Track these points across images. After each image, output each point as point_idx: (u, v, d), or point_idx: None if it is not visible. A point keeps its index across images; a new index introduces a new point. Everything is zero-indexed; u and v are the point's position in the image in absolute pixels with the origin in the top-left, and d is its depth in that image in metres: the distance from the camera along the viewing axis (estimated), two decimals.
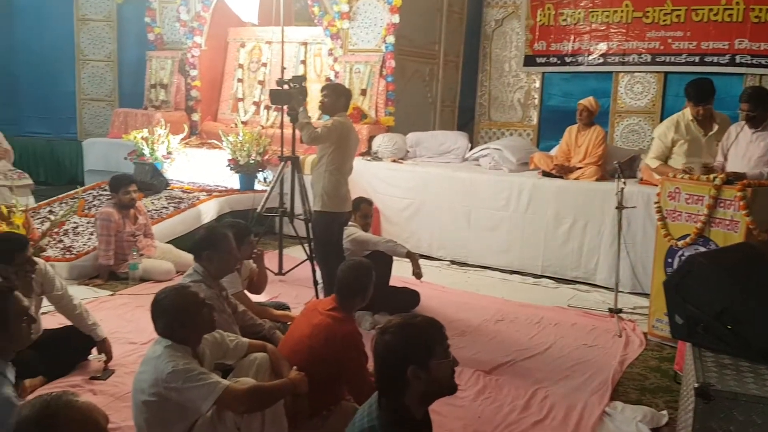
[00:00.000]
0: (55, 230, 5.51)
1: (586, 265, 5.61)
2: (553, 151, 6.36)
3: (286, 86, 4.77)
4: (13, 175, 7.17)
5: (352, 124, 4.63)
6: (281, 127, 5.89)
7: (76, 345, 3.54)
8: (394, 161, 6.85)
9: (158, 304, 2.46)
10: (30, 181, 7.38)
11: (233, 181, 7.25)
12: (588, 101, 5.93)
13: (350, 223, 4.65)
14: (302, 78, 4.84)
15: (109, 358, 3.59)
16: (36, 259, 3.42)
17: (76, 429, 1.33)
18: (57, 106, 9.79)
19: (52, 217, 5.91)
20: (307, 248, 5.24)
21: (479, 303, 5.01)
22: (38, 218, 6.04)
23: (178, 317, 2.41)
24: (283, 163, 5.54)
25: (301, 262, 5.46)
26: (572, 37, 7.69)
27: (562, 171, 5.89)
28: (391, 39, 7.28)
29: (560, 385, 3.61)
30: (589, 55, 7.57)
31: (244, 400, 2.37)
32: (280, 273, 5.59)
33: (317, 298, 4.65)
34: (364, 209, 4.79)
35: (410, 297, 4.68)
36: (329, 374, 2.78)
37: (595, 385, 3.61)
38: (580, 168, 5.87)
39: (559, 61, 7.83)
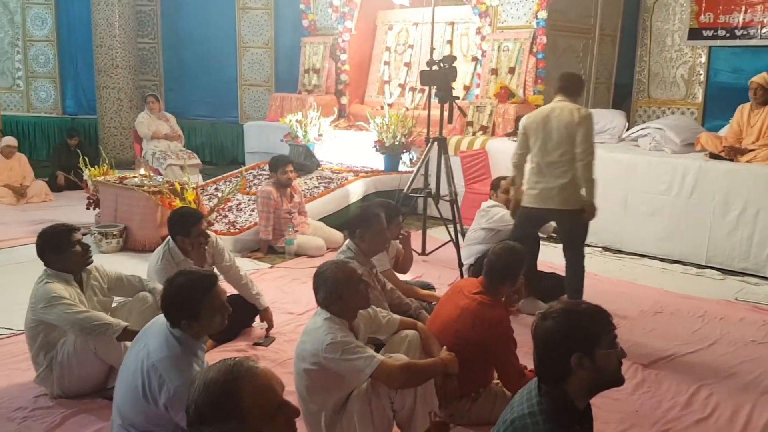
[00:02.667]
0: (221, 206, 5.96)
1: (756, 256, 5.12)
2: (722, 132, 5.84)
3: (435, 67, 4.76)
4: (184, 155, 7.86)
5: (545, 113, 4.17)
6: (428, 107, 5.90)
7: (242, 313, 3.81)
8: None
9: (322, 276, 2.56)
10: (198, 161, 8.05)
11: (378, 162, 7.41)
12: (762, 78, 5.41)
13: (492, 202, 4.55)
14: (452, 58, 4.81)
15: (271, 326, 3.84)
16: (208, 231, 3.71)
17: (256, 393, 1.42)
18: (220, 92, 10.56)
19: (219, 195, 6.39)
20: (451, 229, 5.24)
21: (636, 293, 4.74)
22: (206, 195, 6.56)
23: (338, 290, 2.51)
24: (429, 144, 5.56)
25: (445, 243, 5.47)
26: (743, 8, 7.03)
27: (733, 153, 5.40)
28: (543, 14, 7.02)
29: (725, 383, 3.35)
30: (762, 27, 6.86)
31: (398, 376, 2.42)
32: (423, 253, 5.64)
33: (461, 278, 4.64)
34: (505, 185, 4.61)
35: (560, 283, 4.52)
36: (477, 357, 2.76)
37: (766, 384, 3.32)
38: (752, 150, 5.35)
39: (728, 34, 7.18)
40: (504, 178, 4.65)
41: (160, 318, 2.36)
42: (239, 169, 7.42)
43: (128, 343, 2.92)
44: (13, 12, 10.82)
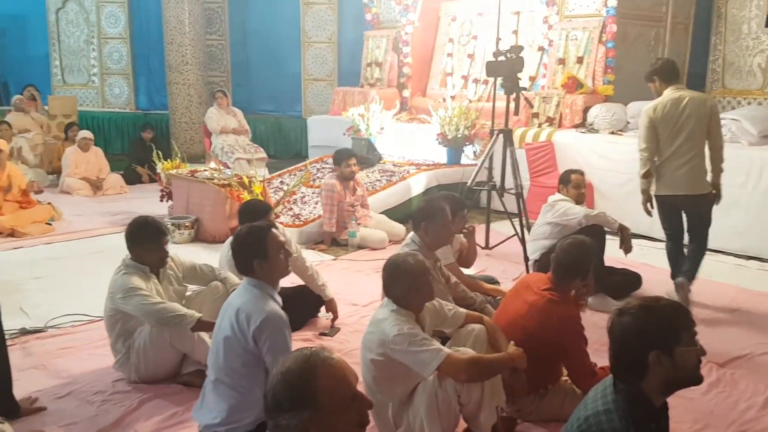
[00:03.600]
0: (287, 199, 6.07)
1: None
2: None
3: (502, 57, 4.69)
4: (251, 149, 8.04)
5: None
6: (493, 99, 5.83)
7: (308, 303, 3.89)
8: (612, 133, 6.45)
9: (399, 269, 2.57)
10: (264, 155, 8.23)
11: (440, 155, 7.38)
12: None
13: (560, 196, 4.45)
14: (519, 48, 4.73)
15: (336, 316, 3.90)
16: (276, 223, 3.78)
17: (331, 384, 1.44)
18: (284, 87, 10.75)
19: (285, 188, 6.51)
20: (516, 223, 5.17)
21: (710, 290, 4.55)
22: (272, 188, 6.69)
23: (415, 282, 2.52)
24: (494, 136, 5.49)
25: (509, 237, 5.40)
26: None
27: None
28: (613, 2, 6.81)
29: None
30: None
31: (465, 370, 2.41)
32: (486, 247, 5.59)
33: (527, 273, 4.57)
34: (576, 180, 4.50)
35: (631, 279, 4.40)
36: (546, 354, 2.72)
37: None
38: None
39: None
40: (574, 171, 4.54)
41: (240, 286, 2.65)
42: (303, 163, 7.53)
43: (202, 334, 3.04)
44: (88, 11, 11.30)
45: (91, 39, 11.37)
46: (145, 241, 3.14)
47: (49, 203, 6.48)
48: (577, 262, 2.84)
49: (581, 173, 4.61)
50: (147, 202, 7.12)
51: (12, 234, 5.85)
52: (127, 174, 8.60)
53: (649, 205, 4.22)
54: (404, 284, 2.52)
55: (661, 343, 1.58)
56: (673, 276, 4.27)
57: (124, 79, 11.44)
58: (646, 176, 4.16)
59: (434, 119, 7.32)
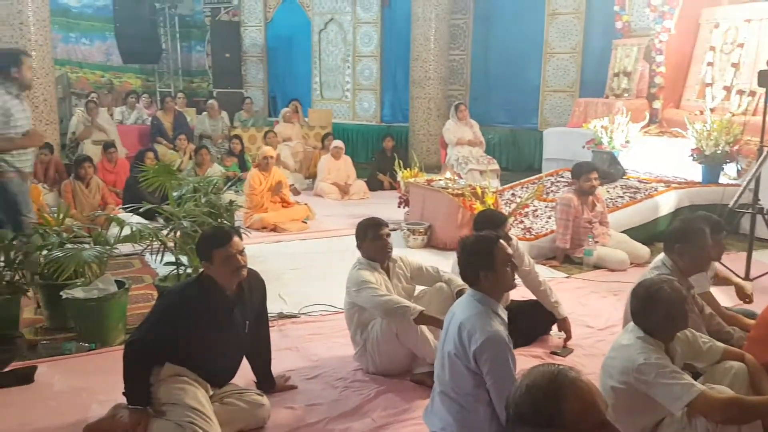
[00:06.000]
0: (519, 211, 6.01)
1: None
2: None
3: None
4: (484, 160, 8.14)
5: None
6: (763, 113, 5.16)
7: (539, 319, 3.79)
8: None
9: (654, 297, 2.39)
10: (497, 167, 8.27)
11: (694, 172, 6.71)
12: None
13: None
14: None
15: (569, 336, 3.75)
16: (510, 235, 3.76)
17: (579, 406, 1.38)
18: (521, 99, 10.67)
19: (516, 200, 6.46)
20: None
21: None
22: (503, 200, 6.68)
23: (672, 312, 2.34)
24: (764, 154, 4.85)
25: None
26: None
27: None
28: None
29: None
30: None
31: (723, 410, 2.16)
32: (747, 278, 4.93)
33: None
34: None
35: None
36: None
37: None
38: None
39: None
40: None
41: (464, 297, 2.62)
42: (537, 176, 7.39)
43: (426, 332, 3.14)
44: (346, 31, 12.39)
45: (346, 57, 12.44)
46: (368, 233, 3.39)
47: (305, 204, 7.26)
48: None
49: None
50: (386, 208, 7.55)
51: (275, 229, 6.65)
52: (370, 181, 9.23)
53: None
54: (658, 313, 2.34)
55: None
56: None
57: (372, 94, 12.32)
58: None
59: (690, 133, 6.69)
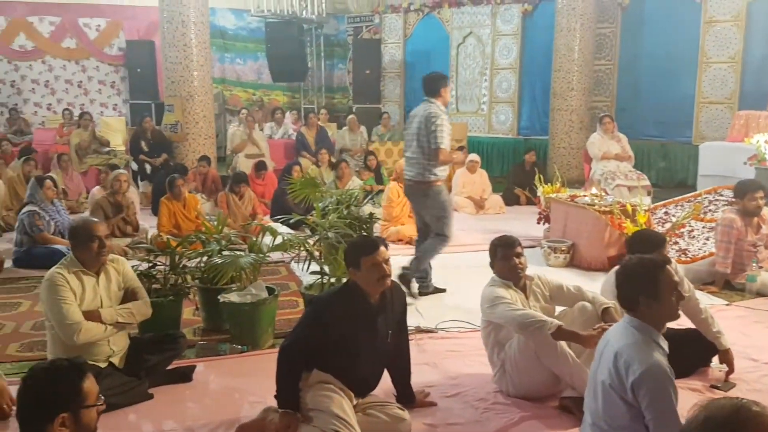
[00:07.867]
0: (674, 232, 5.62)
1: None
2: None
3: None
4: (633, 176, 7.69)
5: None
6: None
7: (698, 350, 3.51)
8: None
9: None
10: (647, 183, 7.78)
11: None
12: None
13: None
14: None
15: (731, 370, 3.44)
16: (667, 257, 3.50)
17: None
18: (673, 110, 10.03)
19: (669, 219, 6.04)
20: None
21: None
22: (655, 218, 6.27)
23: None
24: None
25: None
26: None
27: None
28: None
29: None
30: None
31: None
32: None
33: None
34: None
35: None
36: None
37: None
38: None
39: None
40: None
41: (619, 323, 2.48)
42: (693, 193, 6.87)
43: (566, 349, 3.00)
44: (485, 44, 12.31)
45: (484, 70, 12.36)
46: (497, 252, 3.36)
47: None
48: None
49: None
50: (523, 224, 7.37)
51: (410, 242, 6.69)
52: (506, 195, 9.06)
53: None
54: None
55: None
56: None
57: (509, 107, 12.13)
58: None
59: None
